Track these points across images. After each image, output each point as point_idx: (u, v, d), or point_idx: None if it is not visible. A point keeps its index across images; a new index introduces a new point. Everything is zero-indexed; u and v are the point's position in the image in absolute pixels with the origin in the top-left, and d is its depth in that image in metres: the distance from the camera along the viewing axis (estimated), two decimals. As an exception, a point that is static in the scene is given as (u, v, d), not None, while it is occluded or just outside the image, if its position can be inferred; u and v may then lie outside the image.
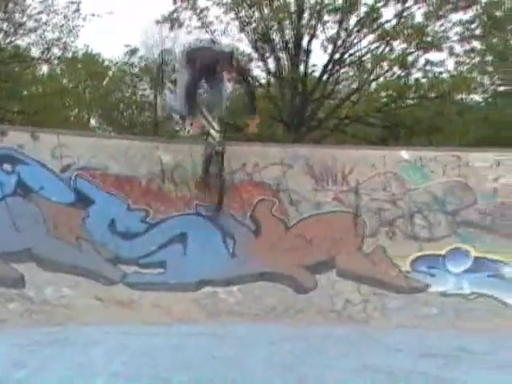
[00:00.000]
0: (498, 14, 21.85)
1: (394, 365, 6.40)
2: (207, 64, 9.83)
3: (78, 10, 24.14)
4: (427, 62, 22.61)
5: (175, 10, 22.64)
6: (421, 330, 8.74)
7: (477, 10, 21.76)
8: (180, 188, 10.22)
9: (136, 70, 25.24)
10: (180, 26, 23.08)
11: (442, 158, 10.99)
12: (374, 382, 5.79)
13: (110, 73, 28.69)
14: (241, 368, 6.14)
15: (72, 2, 24.15)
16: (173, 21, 22.96)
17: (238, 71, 10.15)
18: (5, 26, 24.22)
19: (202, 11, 22.56)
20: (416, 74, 23.03)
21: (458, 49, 22.57)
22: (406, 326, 8.90)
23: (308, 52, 22.29)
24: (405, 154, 11.13)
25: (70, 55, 25.57)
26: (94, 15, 24.14)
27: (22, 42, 25.07)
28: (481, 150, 11.53)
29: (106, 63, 27.25)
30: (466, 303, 9.72)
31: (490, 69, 22.88)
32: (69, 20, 24.16)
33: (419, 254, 10.33)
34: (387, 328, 8.85)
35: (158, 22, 23.88)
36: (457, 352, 7.19)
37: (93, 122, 31.82)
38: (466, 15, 21.99)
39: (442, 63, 22.70)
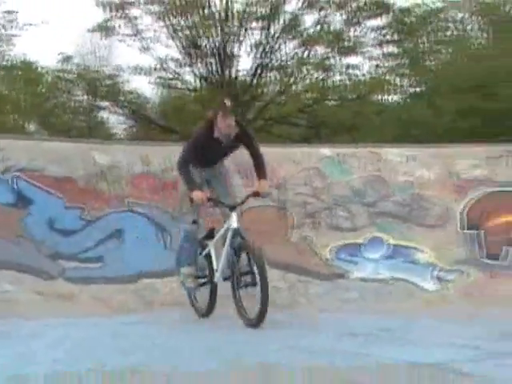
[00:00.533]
0: (409, 20, 22.44)
1: (317, 344, 6.55)
2: (201, 134, 8.16)
3: (14, 20, 23.81)
4: (347, 65, 23.06)
5: (108, 19, 22.54)
6: (343, 313, 8.95)
7: (388, 17, 22.34)
8: (115, 186, 10.25)
9: (70, 76, 24.94)
10: (112, 34, 23.02)
11: (361, 154, 11.18)
12: (297, 359, 5.93)
13: (47, 79, 28.32)
14: (179, 353, 6.21)
15: (8, 12, 23.81)
16: (105, 29, 22.86)
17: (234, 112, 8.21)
18: None
19: (135, 18, 22.51)
20: (337, 77, 23.42)
21: (375, 53, 23.12)
22: (330, 310, 9.09)
23: (235, 57, 22.43)
24: (327, 151, 11.33)
25: (7, 63, 25.20)
26: (30, 25, 23.87)
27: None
28: (396, 146, 11.77)
29: (42, 70, 26.88)
30: (384, 287, 10.01)
31: (407, 71, 23.31)
32: (6, 30, 23.85)
33: (341, 242, 10.57)
34: (312, 312, 9.04)
35: (90, 30, 23.77)
36: (376, 331, 7.39)
37: (31, 127, 31.41)
38: (380, 22, 22.61)
39: (360, 66, 23.19)
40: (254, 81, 22.74)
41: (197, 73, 23.15)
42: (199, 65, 22.66)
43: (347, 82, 23.13)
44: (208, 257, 8.38)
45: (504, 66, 18.63)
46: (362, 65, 23.35)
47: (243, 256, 7.76)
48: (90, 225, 9.97)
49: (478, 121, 18.48)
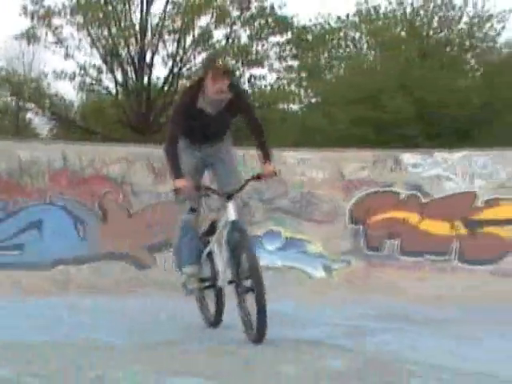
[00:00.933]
0: (308, 38, 22.92)
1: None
2: (182, 103, 6.15)
3: None
4: (252, 76, 23.37)
5: (32, 27, 22.21)
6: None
7: (287, 34, 22.78)
8: (36, 181, 10.19)
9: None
10: (37, 41, 22.70)
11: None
12: (191, 338, 6.09)
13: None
14: (89, 331, 6.25)
15: None
16: (30, 37, 22.50)
17: (227, 73, 5.94)
18: None
19: (56, 28, 22.25)
20: (244, 87, 23.67)
21: (277, 66, 23.51)
22: (230, 298, 9.21)
23: (150, 66, 22.41)
24: (232, 152, 11.47)
25: None
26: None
27: None
28: (294, 150, 12.02)
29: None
30: (278, 275, 10.14)
31: (306, 83, 23.71)
32: None
33: (242, 235, 10.74)
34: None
35: (16, 37, 23.38)
36: (269, 314, 7.57)
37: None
38: (282, 38, 23.05)
39: (264, 77, 23.55)
40: (167, 87, 22.74)
41: (116, 79, 23.07)
42: (117, 72, 22.59)
43: (253, 91, 23.47)
44: (210, 256, 6.41)
45: (390, 80, 19.19)
46: (266, 76, 23.83)
47: (244, 256, 5.85)
48: (11, 216, 9.90)
49: (370, 129, 18.94)
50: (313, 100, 23.88)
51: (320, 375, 4.56)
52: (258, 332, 5.60)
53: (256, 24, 22.29)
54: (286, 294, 9.33)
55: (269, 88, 23.40)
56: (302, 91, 23.59)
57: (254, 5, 22.29)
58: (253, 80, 23.31)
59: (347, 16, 22.32)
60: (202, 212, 6.52)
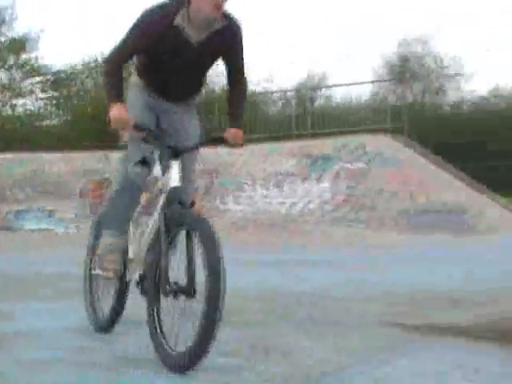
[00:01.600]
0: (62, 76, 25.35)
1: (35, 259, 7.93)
2: (153, 13, 3.16)
3: None
4: (14, 105, 25.44)
5: None
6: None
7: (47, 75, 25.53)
8: None
9: None
10: None
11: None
12: (47, 283, 6.18)
13: None
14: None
15: None
16: None
17: None
18: None
19: None
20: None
21: (42, 95, 25.80)
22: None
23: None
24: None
25: None
26: None
27: None
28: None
29: None
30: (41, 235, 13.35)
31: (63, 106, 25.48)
32: None
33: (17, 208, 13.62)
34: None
35: None
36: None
37: None
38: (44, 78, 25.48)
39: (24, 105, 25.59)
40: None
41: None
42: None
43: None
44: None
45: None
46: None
47: (180, 238, 2.97)
48: None
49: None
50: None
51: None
52: (190, 358, 2.78)
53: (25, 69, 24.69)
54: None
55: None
56: (61, 112, 25.40)
57: (24, 56, 24.50)
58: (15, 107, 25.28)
59: (88, 61, 24.67)
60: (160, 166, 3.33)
